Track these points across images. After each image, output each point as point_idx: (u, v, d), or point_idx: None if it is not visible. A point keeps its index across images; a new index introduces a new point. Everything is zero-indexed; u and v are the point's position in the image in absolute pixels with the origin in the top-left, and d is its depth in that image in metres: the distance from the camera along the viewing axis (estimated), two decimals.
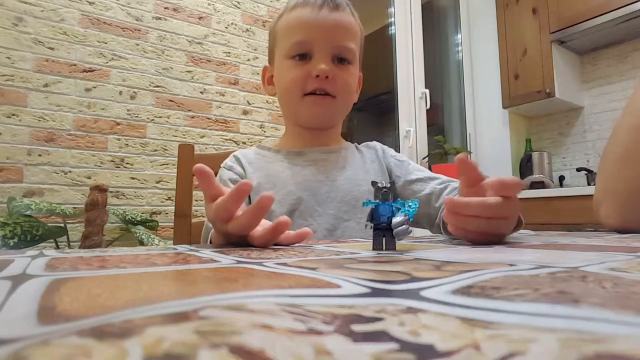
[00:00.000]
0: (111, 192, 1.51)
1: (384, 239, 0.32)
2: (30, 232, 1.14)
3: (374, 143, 0.76)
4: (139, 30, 1.65)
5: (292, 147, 0.69)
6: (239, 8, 1.92)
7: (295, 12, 0.64)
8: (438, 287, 0.15)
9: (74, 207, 1.41)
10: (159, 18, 1.70)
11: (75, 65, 1.51)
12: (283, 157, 0.68)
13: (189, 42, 1.76)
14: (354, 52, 0.65)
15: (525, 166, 2.46)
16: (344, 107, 0.68)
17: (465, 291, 0.14)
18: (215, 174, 0.58)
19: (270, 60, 0.71)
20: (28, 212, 1.18)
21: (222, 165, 0.69)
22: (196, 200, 1.76)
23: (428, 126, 2.42)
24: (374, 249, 0.32)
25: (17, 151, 1.38)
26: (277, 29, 0.67)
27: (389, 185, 0.34)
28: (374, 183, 0.35)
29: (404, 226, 0.32)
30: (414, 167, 0.70)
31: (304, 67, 0.62)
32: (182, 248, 0.33)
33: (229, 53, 1.87)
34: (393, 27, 2.42)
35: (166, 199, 1.64)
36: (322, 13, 0.61)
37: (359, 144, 0.75)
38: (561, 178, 2.53)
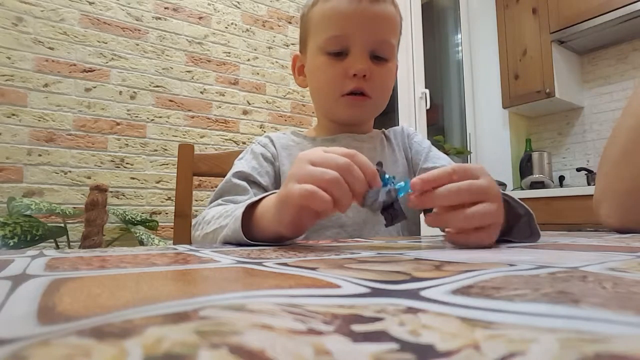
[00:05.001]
0: (111, 192, 1.51)
1: (391, 212, 0.34)
2: (30, 232, 1.14)
3: (401, 127, 0.73)
4: (139, 30, 1.65)
5: (326, 135, 0.67)
6: (239, 8, 1.92)
7: (332, 2, 0.58)
8: (438, 287, 0.15)
9: (74, 207, 1.41)
10: (159, 18, 1.70)
11: (75, 65, 1.51)
12: (318, 146, 0.66)
13: (189, 42, 1.76)
14: (393, 48, 0.61)
15: (525, 166, 2.46)
16: (380, 106, 0.65)
17: (465, 291, 0.14)
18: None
19: (302, 49, 0.66)
20: (28, 212, 1.18)
21: (254, 141, 0.67)
22: (196, 200, 1.76)
23: (428, 126, 2.42)
24: (386, 226, 0.35)
25: (17, 151, 1.38)
26: (310, 16, 0.61)
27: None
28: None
29: (374, 192, 0.34)
30: (434, 154, 0.67)
31: (340, 65, 0.58)
32: (182, 248, 0.33)
33: (229, 53, 1.86)
34: None
35: (166, 199, 1.64)
36: (362, 4, 0.56)
37: (387, 129, 0.72)
38: (561, 178, 2.53)
